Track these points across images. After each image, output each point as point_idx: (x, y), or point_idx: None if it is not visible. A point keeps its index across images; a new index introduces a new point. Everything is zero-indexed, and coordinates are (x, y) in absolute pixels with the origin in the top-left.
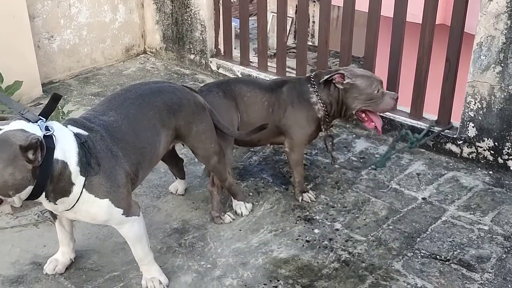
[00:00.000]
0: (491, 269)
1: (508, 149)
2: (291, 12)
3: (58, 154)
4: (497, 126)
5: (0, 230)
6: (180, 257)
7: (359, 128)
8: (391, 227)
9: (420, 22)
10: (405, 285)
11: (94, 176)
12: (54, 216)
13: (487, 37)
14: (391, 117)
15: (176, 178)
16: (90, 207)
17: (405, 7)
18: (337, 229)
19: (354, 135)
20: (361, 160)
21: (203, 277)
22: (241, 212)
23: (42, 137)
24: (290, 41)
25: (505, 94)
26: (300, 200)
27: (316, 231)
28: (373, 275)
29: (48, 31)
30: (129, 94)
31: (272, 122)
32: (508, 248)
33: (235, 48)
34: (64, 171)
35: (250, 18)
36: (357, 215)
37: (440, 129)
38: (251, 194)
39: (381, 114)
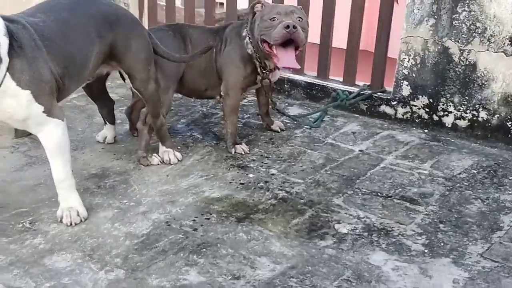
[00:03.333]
0: (435, 203)
1: (443, 105)
2: None
3: None
4: (431, 82)
5: None
6: (99, 197)
7: (291, 98)
8: (328, 172)
9: None
10: (347, 216)
11: (16, 59)
12: None
13: None
14: (324, 84)
15: (106, 124)
16: (10, 97)
17: None
18: (272, 174)
19: (286, 104)
20: (295, 123)
21: (126, 213)
22: (169, 159)
23: None
24: None
25: (439, 47)
26: (233, 152)
27: (250, 175)
28: (313, 208)
29: None
30: (61, 0)
31: (215, 66)
32: (451, 187)
33: None
34: None
35: None
36: (293, 163)
37: (371, 92)
38: (179, 148)
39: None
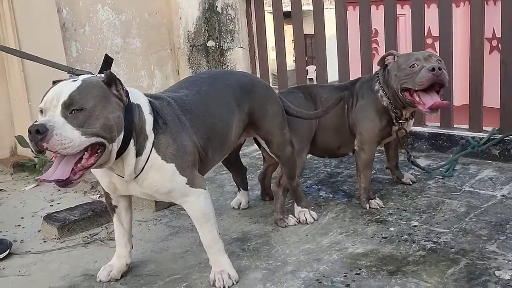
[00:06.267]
0: None
1: None
2: None
3: (133, 98)
4: None
5: (47, 252)
6: (245, 259)
7: (416, 151)
8: (474, 219)
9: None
10: (506, 262)
11: (161, 135)
12: (113, 210)
13: None
14: (449, 133)
15: (239, 190)
16: (156, 171)
17: None
18: (414, 226)
19: (412, 156)
20: (426, 174)
21: (274, 273)
22: (305, 219)
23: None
24: None
25: None
26: (367, 208)
27: (391, 229)
28: (466, 257)
29: None
30: (201, 75)
31: (347, 122)
32: None
33: None
34: (142, 117)
35: None
36: (433, 213)
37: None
38: (312, 207)
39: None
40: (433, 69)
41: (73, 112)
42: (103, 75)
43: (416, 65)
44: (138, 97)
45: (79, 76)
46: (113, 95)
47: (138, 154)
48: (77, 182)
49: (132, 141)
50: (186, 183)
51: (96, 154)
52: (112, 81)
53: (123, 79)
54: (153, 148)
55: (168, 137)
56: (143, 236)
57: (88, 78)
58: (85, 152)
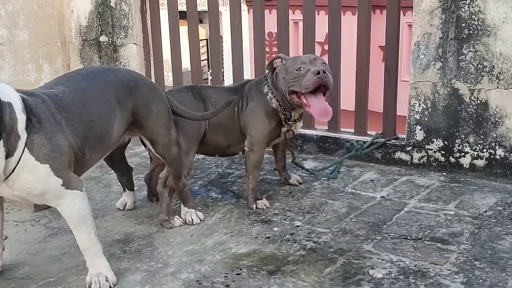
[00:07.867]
0: (467, 241)
1: (459, 146)
2: None
3: (3, 96)
4: (444, 124)
5: None
6: (125, 261)
7: (304, 153)
8: (353, 220)
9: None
10: (380, 261)
11: (35, 135)
12: None
13: (424, 35)
14: (336, 136)
15: (125, 191)
16: (29, 173)
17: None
18: (297, 226)
19: (301, 158)
20: (312, 176)
21: (155, 274)
22: (192, 220)
23: None
24: None
25: (449, 89)
26: (254, 208)
27: (275, 229)
28: (343, 256)
29: None
30: (79, 71)
31: (238, 123)
32: (479, 225)
33: None
34: (13, 116)
35: None
36: (316, 214)
37: (385, 139)
38: (199, 208)
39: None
40: (318, 73)
41: None
42: None
43: (302, 68)
44: (9, 95)
45: None
46: None
47: (9, 155)
48: None
49: (1, 142)
50: (62, 185)
51: None
52: None
53: (8, 72)
54: (25, 148)
55: (42, 136)
56: (19, 237)
57: None
58: None
